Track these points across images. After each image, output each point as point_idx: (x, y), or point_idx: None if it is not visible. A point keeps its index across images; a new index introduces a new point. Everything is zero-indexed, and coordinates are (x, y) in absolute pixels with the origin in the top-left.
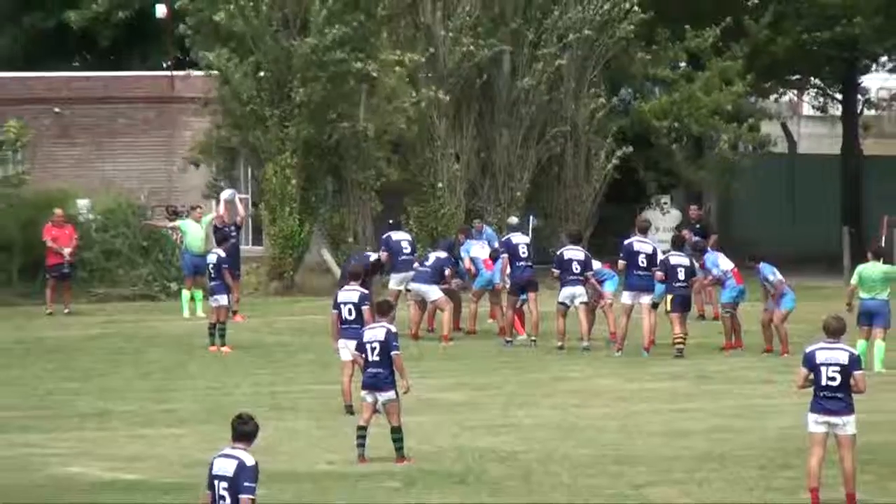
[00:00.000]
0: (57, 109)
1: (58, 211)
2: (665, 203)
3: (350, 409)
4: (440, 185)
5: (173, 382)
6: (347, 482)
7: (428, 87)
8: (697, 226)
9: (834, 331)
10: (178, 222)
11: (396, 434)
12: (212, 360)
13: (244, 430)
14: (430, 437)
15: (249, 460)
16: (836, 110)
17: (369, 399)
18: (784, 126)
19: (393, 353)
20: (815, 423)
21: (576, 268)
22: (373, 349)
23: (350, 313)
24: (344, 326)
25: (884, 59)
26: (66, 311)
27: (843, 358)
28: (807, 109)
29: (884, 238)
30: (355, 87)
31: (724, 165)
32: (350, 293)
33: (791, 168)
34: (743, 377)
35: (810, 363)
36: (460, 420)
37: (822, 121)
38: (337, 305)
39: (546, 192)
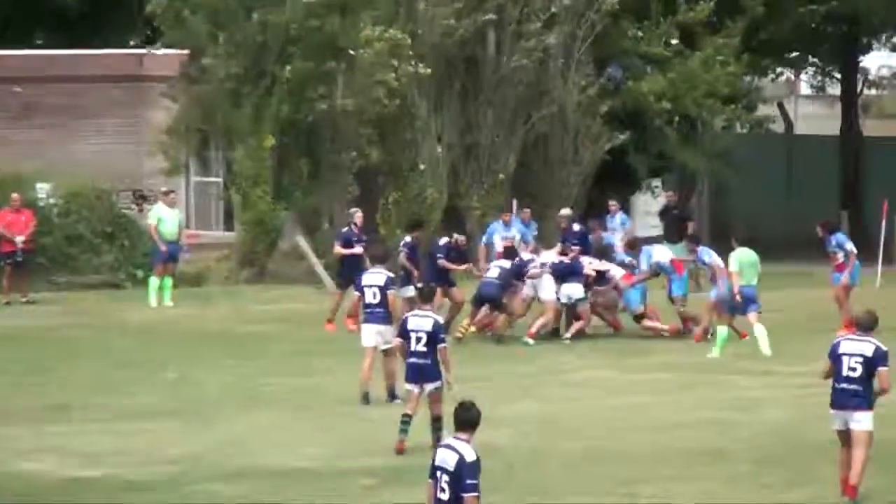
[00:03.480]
0: (17, 88)
1: (14, 196)
2: (656, 187)
3: (366, 398)
4: (422, 166)
5: (139, 374)
6: (321, 479)
7: (408, 63)
8: (674, 210)
9: (863, 325)
10: (150, 209)
11: (437, 423)
12: (180, 350)
13: (466, 418)
14: (414, 431)
15: (470, 455)
16: (835, 90)
17: (416, 390)
18: (781, 106)
19: (440, 345)
20: (834, 419)
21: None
22: (418, 339)
23: (374, 297)
24: (367, 311)
25: (885, 35)
26: (24, 300)
27: (869, 350)
28: (804, 89)
29: (884, 223)
30: (338, 66)
31: (719, 148)
32: (375, 276)
33: (788, 150)
34: (739, 368)
35: (833, 353)
36: (445, 414)
37: (820, 101)
38: (360, 288)
39: (532, 175)
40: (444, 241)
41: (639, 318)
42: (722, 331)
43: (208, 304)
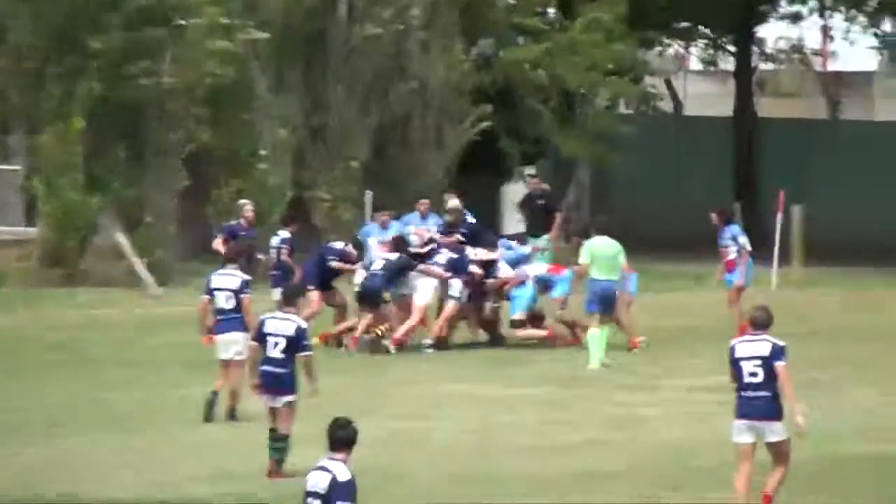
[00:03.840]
0: None
1: None
2: (530, 175)
3: (233, 413)
4: (262, 152)
5: None
6: None
7: (244, 30)
8: (539, 200)
9: (758, 323)
10: None
11: (282, 443)
12: None
13: (341, 437)
14: (246, 453)
15: (343, 474)
16: (728, 65)
17: (269, 403)
18: (669, 84)
19: (302, 353)
20: (740, 432)
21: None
22: (276, 344)
23: (227, 301)
24: (221, 318)
25: (783, 3)
26: None
27: (765, 349)
28: (694, 64)
29: (780, 216)
30: (163, 39)
31: (601, 129)
32: (228, 278)
33: (676, 132)
34: (622, 382)
35: (731, 359)
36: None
37: (711, 77)
38: (210, 291)
39: (390, 161)
40: (339, 244)
41: (517, 323)
42: (594, 334)
43: (6, 310)
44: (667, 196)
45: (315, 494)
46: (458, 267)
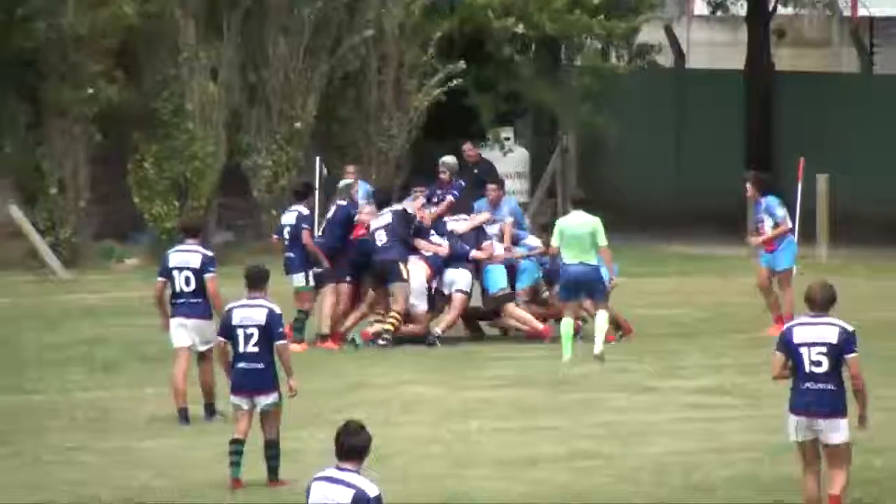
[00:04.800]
0: None
1: None
2: (507, 139)
3: (185, 415)
4: (189, 106)
5: None
6: None
7: None
8: (475, 170)
9: (818, 301)
10: None
11: (272, 450)
12: None
13: (352, 445)
14: (172, 466)
15: (372, 489)
16: (740, 8)
17: (245, 406)
18: (669, 31)
19: (277, 342)
20: (800, 428)
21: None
22: (248, 337)
23: (187, 283)
24: (179, 301)
25: None
26: None
27: (832, 335)
28: (700, 8)
29: (800, 187)
30: None
31: (591, 80)
32: (187, 254)
33: (678, 89)
34: (613, 383)
35: (787, 344)
36: (215, 444)
37: (720, 23)
38: (167, 271)
39: (340, 123)
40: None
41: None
42: (567, 324)
43: None
44: (666, 164)
45: None
46: (459, 256)
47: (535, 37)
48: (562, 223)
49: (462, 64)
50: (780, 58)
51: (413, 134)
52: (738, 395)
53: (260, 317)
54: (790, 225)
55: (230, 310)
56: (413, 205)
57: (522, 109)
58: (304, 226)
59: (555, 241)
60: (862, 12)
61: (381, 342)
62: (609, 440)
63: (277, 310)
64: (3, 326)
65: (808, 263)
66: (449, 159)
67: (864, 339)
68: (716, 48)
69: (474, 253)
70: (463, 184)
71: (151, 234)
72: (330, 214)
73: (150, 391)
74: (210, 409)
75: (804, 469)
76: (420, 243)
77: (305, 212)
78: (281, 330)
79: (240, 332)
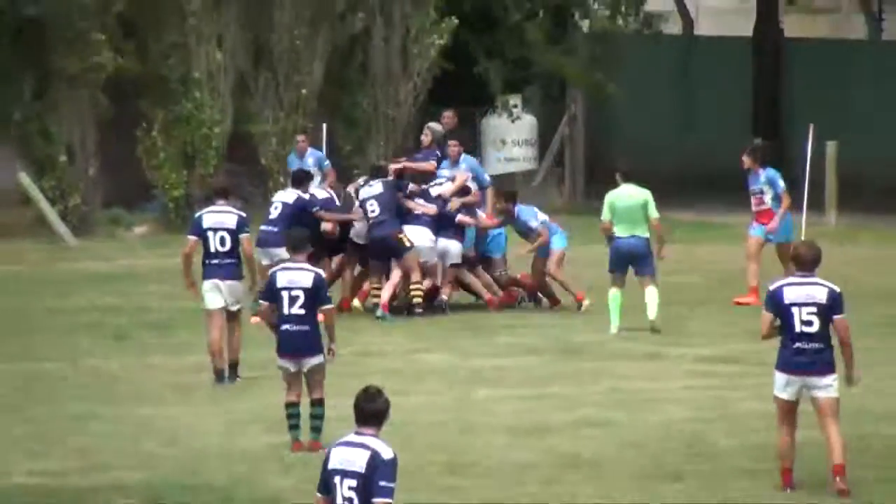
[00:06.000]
0: None
1: None
2: (514, 106)
3: (220, 376)
4: (196, 74)
5: None
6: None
7: None
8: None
9: (807, 261)
10: None
11: (318, 408)
12: None
13: (371, 410)
14: (185, 434)
15: (386, 451)
16: None
17: (293, 368)
18: None
19: (324, 306)
20: (784, 386)
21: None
22: (293, 299)
23: (222, 243)
24: (213, 262)
25: None
26: None
27: (822, 295)
28: None
29: (809, 154)
30: None
31: (600, 43)
32: (222, 215)
33: (686, 55)
34: (622, 351)
35: (776, 304)
36: (229, 411)
37: None
38: (201, 231)
39: (347, 89)
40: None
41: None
42: (616, 296)
43: None
44: (674, 131)
45: (347, 473)
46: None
47: (543, 2)
48: (612, 196)
49: (454, 20)
50: (789, 24)
51: (420, 99)
52: (746, 362)
53: (307, 280)
54: (788, 197)
55: (274, 273)
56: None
57: (531, 76)
58: (315, 208)
59: (606, 215)
60: None
61: (417, 311)
62: (617, 408)
63: (322, 273)
64: (12, 294)
65: (816, 230)
66: (435, 125)
67: (866, 304)
68: (724, 15)
69: (461, 217)
70: (438, 154)
71: (160, 202)
72: (290, 199)
73: (159, 359)
74: (234, 370)
75: (782, 425)
76: (409, 203)
77: (306, 196)
78: (326, 293)
79: (284, 294)
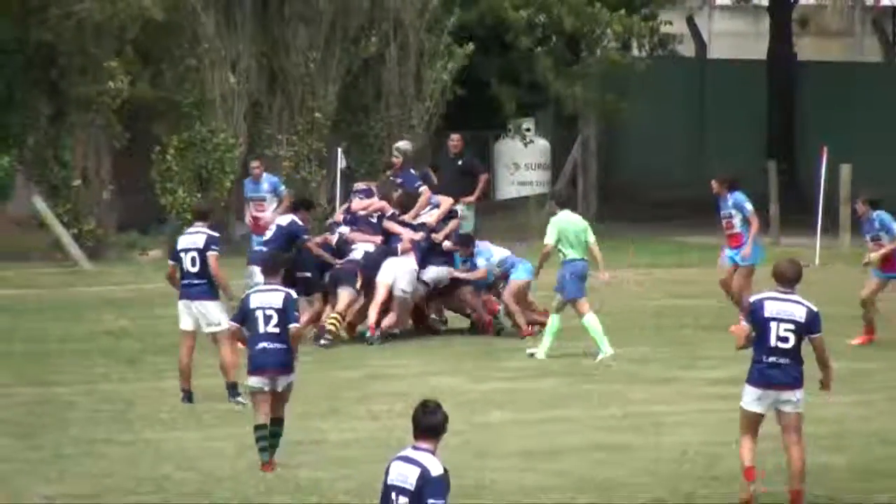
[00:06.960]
0: None
1: None
2: (527, 129)
3: (188, 396)
4: (210, 98)
5: None
6: None
7: None
8: (459, 162)
9: (789, 278)
10: None
11: (278, 428)
12: None
13: (429, 424)
14: (195, 457)
15: (436, 467)
16: None
17: (266, 388)
18: (691, 21)
19: (291, 325)
20: (753, 400)
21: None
22: (268, 318)
23: (192, 263)
24: (184, 283)
25: None
26: None
27: (801, 313)
28: None
29: (823, 177)
30: None
31: (610, 74)
32: (193, 236)
33: (699, 79)
34: (635, 374)
35: (757, 316)
36: (238, 435)
37: (742, 13)
38: (176, 255)
39: (361, 113)
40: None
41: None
42: (591, 319)
43: None
44: (688, 155)
45: (401, 490)
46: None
47: (555, 29)
48: (561, 223)
49: (470, 46)
50: (802, 47)
51: (434, 123)
52: None
53: (278, 301)
54: (757, 220)
55: (248, 295)
56: (360, 204)
57: (543, 101)
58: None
59: (551, 239)
60: (884, 1)
61: (322, 342)
62: (630, 431)
63: (293, 294)
64: (26, 318)
65: (830, 253)
66: (402, 144)
67: (880, 326)
68: (738, 38)
69: (447, 245)
70: (415, 174)
71: (174, 226)
72: (284, 222)
73: (172, 383)
74: (233, 390)
75: (746, 436)
76: (393, 226)
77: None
78: (296, 313)
79: (259, 313)
